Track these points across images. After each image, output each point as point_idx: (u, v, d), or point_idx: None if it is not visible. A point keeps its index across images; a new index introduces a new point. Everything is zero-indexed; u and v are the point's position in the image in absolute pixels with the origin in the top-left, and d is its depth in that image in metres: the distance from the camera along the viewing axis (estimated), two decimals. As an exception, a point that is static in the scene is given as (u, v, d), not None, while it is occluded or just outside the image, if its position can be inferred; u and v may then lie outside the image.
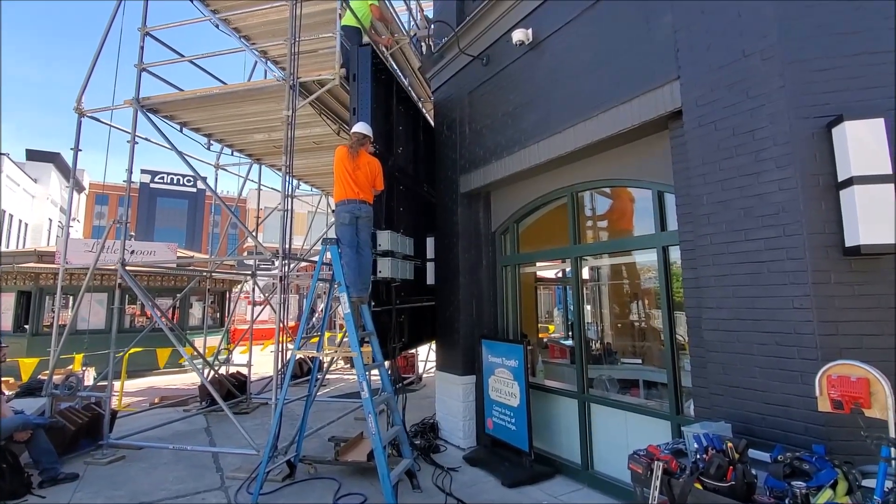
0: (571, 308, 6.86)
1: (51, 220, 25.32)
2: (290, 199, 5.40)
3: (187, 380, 10.72)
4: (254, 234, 8.45)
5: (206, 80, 7.52)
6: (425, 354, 11.15)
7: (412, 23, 8.25)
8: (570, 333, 6.77)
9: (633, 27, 3.92)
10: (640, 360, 5.38)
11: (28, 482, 4.46)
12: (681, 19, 3.53)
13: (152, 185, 42.10)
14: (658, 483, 2.51)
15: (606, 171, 4.53)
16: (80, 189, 32.23)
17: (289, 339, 8.68)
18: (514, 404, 4.88)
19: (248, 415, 7.45)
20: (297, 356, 10.28)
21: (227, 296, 13.87)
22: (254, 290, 8.36)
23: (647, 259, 4.84)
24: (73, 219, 31.57)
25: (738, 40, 3.18)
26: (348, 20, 5.82)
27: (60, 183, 27.03)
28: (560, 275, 6.90)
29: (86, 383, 6.62)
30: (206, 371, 8.04)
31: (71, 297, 11.84)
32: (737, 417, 3.03)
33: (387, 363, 5.12)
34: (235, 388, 7.85)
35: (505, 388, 5.05)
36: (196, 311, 12.85)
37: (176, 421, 6.78)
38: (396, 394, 5.22)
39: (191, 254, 13.84)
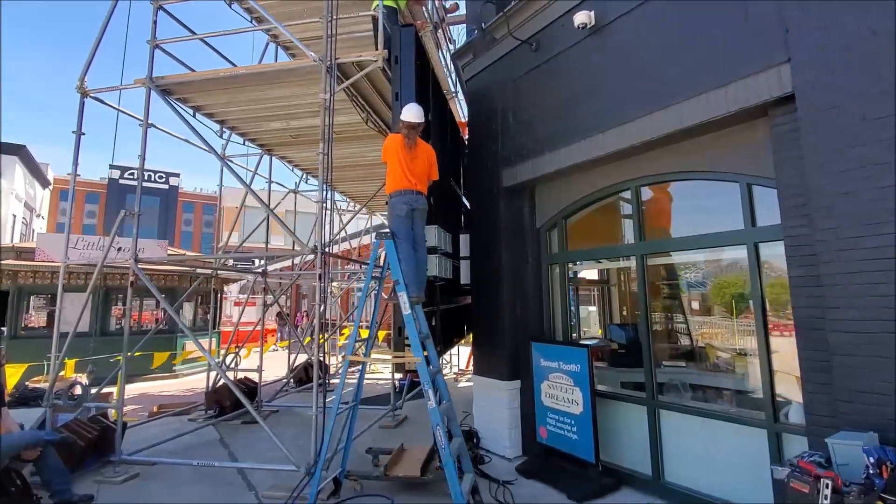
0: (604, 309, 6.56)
1: (15, 217, 23.77)
2: (327, 195, 4.95)
3: (181, 385, 10.05)
4: (264, 229, 7.93)
5: (215, 63, 7.00)
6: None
7: (434, 9, 7.89)
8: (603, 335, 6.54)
9: (724, 8, 3.67)
10: (682, 363, 5.17)
11: (37, 507, 3.90)
12: (790, -1, 3.29)
13: (122, 182, 40.39)
14: (828, 503, 2.24)
15: (679, 163, 4.27)
16: (45, 184, 30.54)
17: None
18: (576, 412, 4.57)
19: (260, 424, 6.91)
20: (303, 360, 9.77)
21: (220, 296, 13.15)
22: (265, 289, 7.81)
23: (708, 257, 4.64)
24: (38, 215, 29.82)
25: (863, 18, 2.95)
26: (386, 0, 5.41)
27: (25, 177, 25.45)
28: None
29: (78, 392, 5.99)
30: (214, 375, 7.49)
31: (45, 297, 10.99)
32: (867, 426, 2.79)
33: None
34: (245, 395, 7.29)
35: (563, 394, 4.74)
36: (186, 313, 12.10)
37: (187, 433, 6.20)
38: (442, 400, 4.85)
39: (182, 251, 13.07)
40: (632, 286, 6.57)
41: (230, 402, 7.11)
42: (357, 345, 7.66)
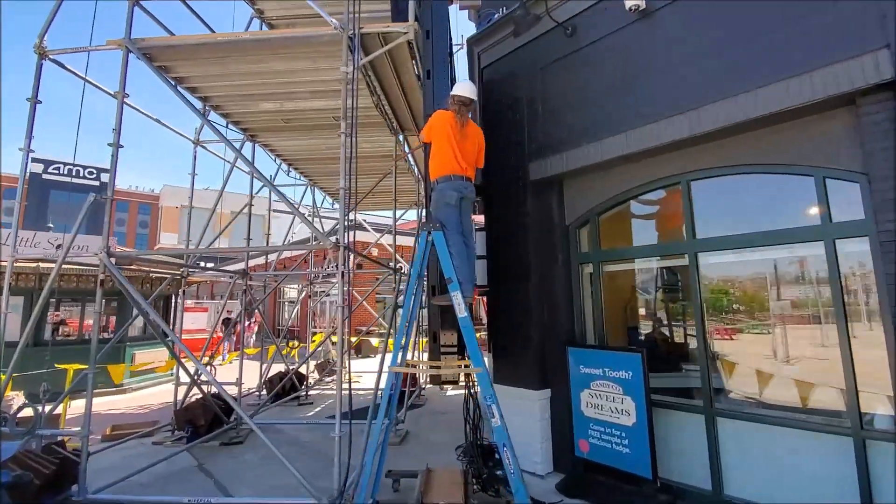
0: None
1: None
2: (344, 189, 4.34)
3: (132, 402, 8.82)
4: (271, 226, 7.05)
5: (195, 31, 6.19)
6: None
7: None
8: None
9: (805, -9, 3.47)
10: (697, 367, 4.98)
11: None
12: (888, -19, 3.11)
13: (45, 176, 36.74)
14: None
15: (740, 156, 4.03)
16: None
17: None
18: (628, 423, 4.21)
19: (241, 444, 6.08)
20: (277, 371, 8.87)
21: (174, 301, 11.84)
22: (244, 291, 6.94)
23: (767, 256, 4.42)
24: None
25: (977, 3, 2.81)
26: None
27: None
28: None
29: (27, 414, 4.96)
30: (187, 390, 6.57)
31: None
32: None
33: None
34: (222, 412, 6.42)
35: (609, 403, 4.37)
36: (137, 320, 10.76)
37: (160, 461, 5.26)
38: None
39: (130, 249, 11.71)
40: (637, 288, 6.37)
41: (205, 422, 6.22)
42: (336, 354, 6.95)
